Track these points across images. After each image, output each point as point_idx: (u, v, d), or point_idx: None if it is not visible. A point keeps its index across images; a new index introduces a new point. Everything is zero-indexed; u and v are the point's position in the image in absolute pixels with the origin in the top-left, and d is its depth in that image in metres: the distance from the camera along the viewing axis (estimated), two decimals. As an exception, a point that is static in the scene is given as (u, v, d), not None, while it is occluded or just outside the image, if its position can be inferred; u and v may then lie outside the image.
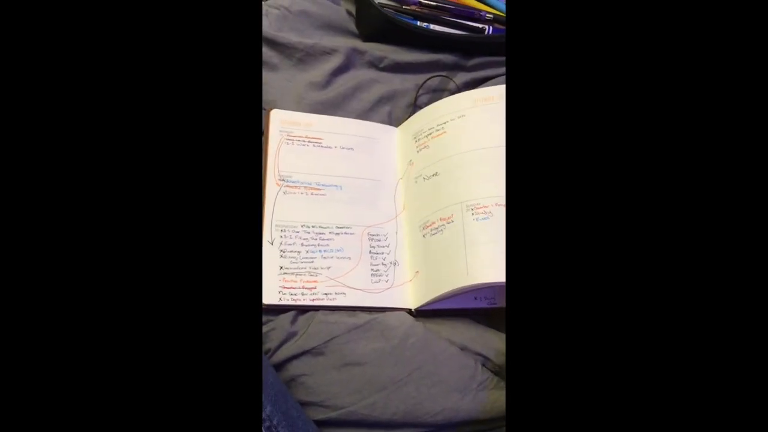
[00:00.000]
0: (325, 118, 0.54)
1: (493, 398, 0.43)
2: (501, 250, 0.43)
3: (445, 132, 0.51)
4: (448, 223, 0.47)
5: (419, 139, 0.53)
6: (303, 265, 0.46)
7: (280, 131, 0.52)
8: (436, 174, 0.50)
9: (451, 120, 0.51)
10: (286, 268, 0.46)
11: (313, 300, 0.45)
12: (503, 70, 0.64)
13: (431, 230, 0.48)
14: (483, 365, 0.45)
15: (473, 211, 0.46)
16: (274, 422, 0.37)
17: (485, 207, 0.45)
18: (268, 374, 0.39)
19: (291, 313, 0.44)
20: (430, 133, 0.52)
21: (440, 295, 0.45)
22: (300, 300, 0.45)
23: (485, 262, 0.44)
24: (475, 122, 0.50)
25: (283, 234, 0.47)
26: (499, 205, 0.45)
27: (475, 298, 0.48)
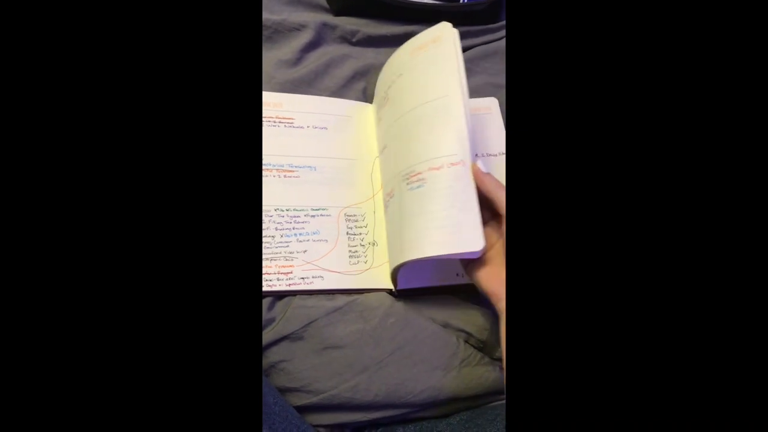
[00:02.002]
0: (295, 97, 0.52)
1: (476, 375, 0.43)
2: (433, 220, 0.39)
3: (389, 99, 0.49)
4: (391, 198, 0.45)
5: (378, 113, 0.51)
6: (278, 249, 0.45)
7: None
8: (386, 147, 0.48)
9: (393, 83, 0.49)
10: None
11: (289, 285, 0.44)
12: (479, 39, 0.62)
13: (384, 206, 0.47)
14: (465, 342, 0.44)
15: (408, 181, 0.42)
16: None
17: (419, 174, 0.41)
18: None
19: (267, 300, 0.43)
20: (383, 105, 0.50)
21: (392, 274, 0.43)
22: (276, 286, 0.44)
23: (416, 236, 0.40)
24: (411, 79, 0.46)
25: None
26: (433, 168, 0.41)
27: (457, 275, 0.47)
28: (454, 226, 0.39)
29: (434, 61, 0.44)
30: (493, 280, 0.38)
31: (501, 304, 0.37)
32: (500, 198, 0.38)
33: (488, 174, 0.39)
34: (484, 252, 0.38)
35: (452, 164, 0.40)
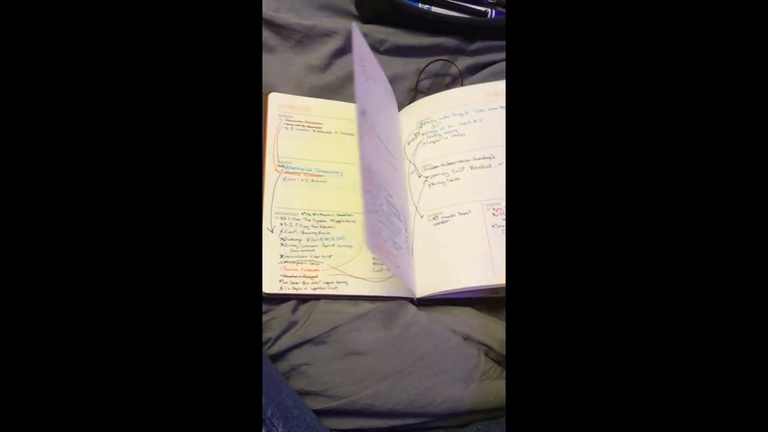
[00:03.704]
0: (324, 103, 0.52)
1: (496, 388, 0.43)
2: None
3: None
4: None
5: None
6: (304, 253, 0.45)
7: (279, 115, 0.50)
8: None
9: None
10: (287, 257, 0.45)
11: (314, 289, 0.44)
12: (504, 55, 0.63)
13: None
14: (486, 355, 0.45)
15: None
16: (268, 414, 0.36)
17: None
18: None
19: (292, 303, 0.44)
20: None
21: (453, 290, 0.44)
22: (301, 289, 0.44)
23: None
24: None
25: (283, 222, 0.46)
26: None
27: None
28: None
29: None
30: None
31: None
32: None
33: None
34: None
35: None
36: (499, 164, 0.47)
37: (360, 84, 0.42)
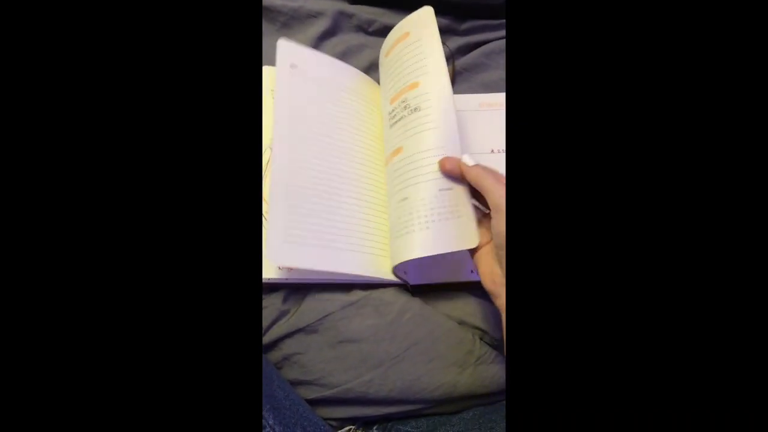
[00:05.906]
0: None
1: (491, 372, 0.43)
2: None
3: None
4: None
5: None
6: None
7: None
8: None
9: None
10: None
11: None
12: (497, 34, 0.61)
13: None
14: (481, 339, 0.44)
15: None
16: None
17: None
18: None
19: (282, 291, 0.43)
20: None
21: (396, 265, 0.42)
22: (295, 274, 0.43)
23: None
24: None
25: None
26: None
27: (471, 272, 0.47)
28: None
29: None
30: (487, 278, 0.38)
31: (498, 302, 0.37)
32: (488, 187, 0.36)
33: (476, 165, 0.39)
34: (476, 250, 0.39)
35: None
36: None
37: (281, 96, 0.45)
